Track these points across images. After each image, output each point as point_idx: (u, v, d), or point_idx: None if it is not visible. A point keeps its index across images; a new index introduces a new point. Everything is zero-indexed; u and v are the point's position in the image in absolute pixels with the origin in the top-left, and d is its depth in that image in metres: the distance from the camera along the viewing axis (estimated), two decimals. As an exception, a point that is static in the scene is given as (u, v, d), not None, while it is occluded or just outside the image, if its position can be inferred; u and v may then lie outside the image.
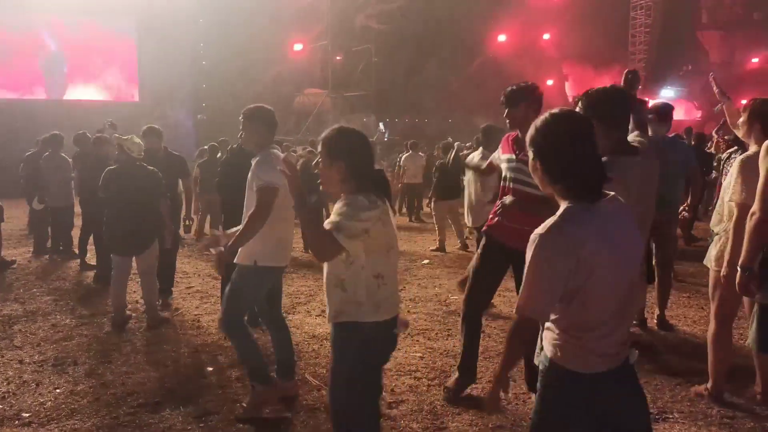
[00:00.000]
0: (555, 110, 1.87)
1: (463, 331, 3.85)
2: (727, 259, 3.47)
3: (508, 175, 3.66)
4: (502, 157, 3.78)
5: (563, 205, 1.80)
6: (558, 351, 1.84)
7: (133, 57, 20.84)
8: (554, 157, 1.81)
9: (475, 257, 3.89)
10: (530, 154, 1.87)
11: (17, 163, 9.10)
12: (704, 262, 3.73)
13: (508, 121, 3.69)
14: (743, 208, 3.20)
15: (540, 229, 1.75)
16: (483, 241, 3.84)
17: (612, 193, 1.84)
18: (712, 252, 3.61)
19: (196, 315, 5.69)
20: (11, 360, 4.52)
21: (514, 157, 3.63)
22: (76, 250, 7.85)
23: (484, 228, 3.84)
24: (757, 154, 3.30)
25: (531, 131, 1.85)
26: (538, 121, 1.85)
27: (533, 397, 3.54)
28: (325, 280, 2.47)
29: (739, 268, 2.93)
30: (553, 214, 1.80)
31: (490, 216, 3.76)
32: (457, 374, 3.88)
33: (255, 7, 22.22)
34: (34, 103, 18.28)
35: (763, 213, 2.75)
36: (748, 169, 3.26)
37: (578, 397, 1.83)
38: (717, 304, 3.63)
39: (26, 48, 19.15)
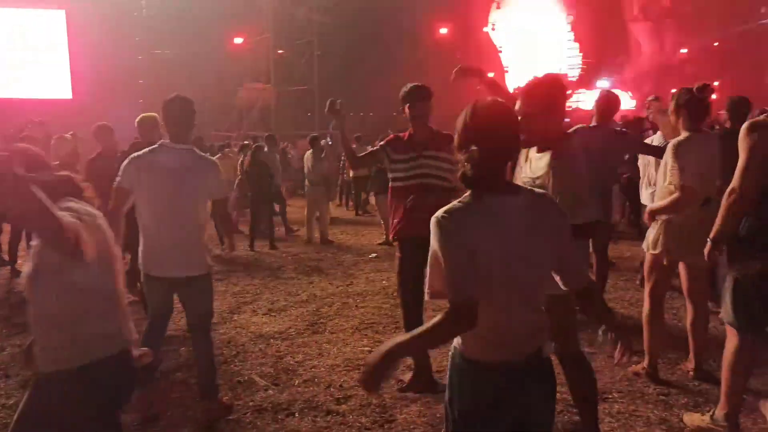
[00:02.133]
0: (485, 99, 1.87)
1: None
2: (658, 241, 3.67)
3: (407, 174, 3.70)
4: (395, 156, 3.77)
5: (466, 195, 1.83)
6: (460, 338, 1.87)
7: (64, 51, 19.94)
8: (460, 142, 1.84)
9: (397, 267, 3.88)
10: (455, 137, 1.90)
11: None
12: (643, 246, 3.89)
13: (417, 115, 3.71)
14: (683, 190, 3.48)
15: (436, 214, 1.79)
16: (398, 251, 3.88)
17: (529, 188, 1.87)
18: (650, 236, 3.79)
19: (138, 319, 5.51)
20: (-64, 375, 4.27)
21: (415, 155, 3.70)
22: (6, 257, 7.47)
23: (394, 236, 3.88)
24: (687, 139, 3.58)
25: (461, 117, 1.87)
26: (468, 107, 1.86)
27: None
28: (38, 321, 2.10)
29: (709, 241, 3.04)
30: (454, 198, 1.87)
31: (395, 222, 3.79)
32: (412, 373, 3.90)
33: (193, 0, 21.64)
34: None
35: (742, 190, 2.86)
36: (681, 153, 3.53)
37: (478, 383, 1.84)
38: (651, 285, 3.80)
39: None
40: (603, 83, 28.50)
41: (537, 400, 1.88)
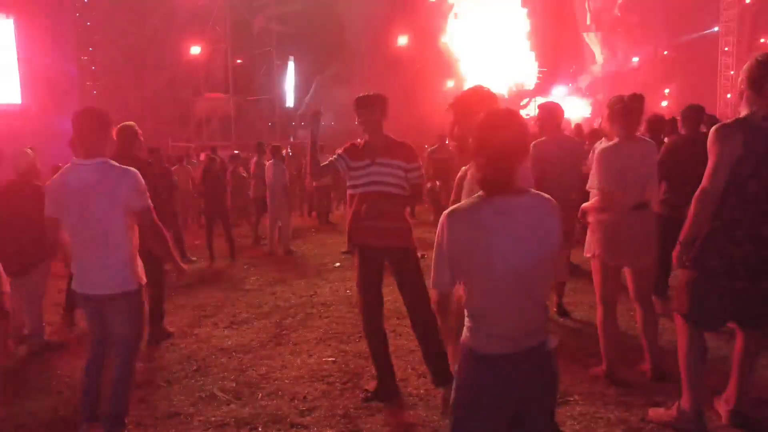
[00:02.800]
0: (496, 109, 2.09)
1: (371, 345, 3.88)
2: (587, 243, 3.81)
3: (362, 181, 3.72)
4: (352, 164, 3.77)
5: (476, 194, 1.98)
6: (466, 332, 2.00)
7: (12, 60, 19.29)
8: (475, 146, 1.98)
9: (356, 272, 3.90)
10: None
11: None
12: (585, 252, 4.01)
13: (363, 122, 3.76)
14: (602, 194, 3.70)
15: (450, 208, 1.97)
16: (357, 255, 3.88)
17: (533, 190, 2.02)
18: (588, 241, 3.95)
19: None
20: None
21: (369, 162, 3.71)
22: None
23: (353, 241, 3.88)
24: (615, 145, 3.73)
25: (474, 125, 2.02)
26: (480, 116, 2.01)
27: (441, 392, 3.61)
28: None
29: (679, 244, 3.11)
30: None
31: (350, 230, 3.84)
32: (375, 382, 3.88)
33: (146, 9, 21.26)
34: None
35: (712, 191, 2.93)
36: (606, 158, 3.70)
37: (482, 375, 1.97)
38: (599, 289, 3.91)
39: None
40: (559, 91, 29.14)
41: (538, 391, 1.99)
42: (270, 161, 9.55)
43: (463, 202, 1.99)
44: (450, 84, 28.94)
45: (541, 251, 1.95)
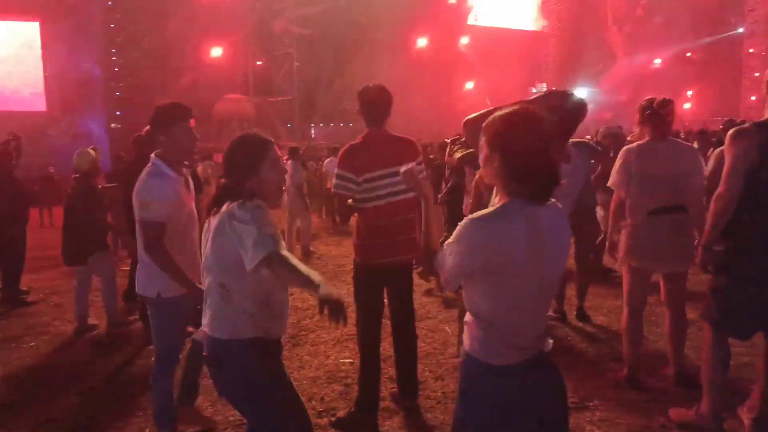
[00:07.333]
0: (519, 108, 1.80)
1: (369, 359, 3.54)
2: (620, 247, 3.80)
3: (378, 194, 3.35)
4: (370, 176, 3.33)
5: (503, 200, 1.80)
6: (474, 344, 1.87)
7: (38, 64, 19.68)
8: (523, 157, 1.75)
9: (355, 294, 3.56)
10: (487, 149, 1.81)
11: None
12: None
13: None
14: (616, 194, 3.83)
15: (475, 215, 1.76)
16: (358, 274, 3.54)
17: (552, 199, 1.86)
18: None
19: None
20: None
21: (386, 172, 3.31)
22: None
23: (358, 260, 3.50)
24: (638, 146, 3.76)
25: (496, 126, 1.78)
26: (506, 116, 1.78)
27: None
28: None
29: (700, 248, 3.09)
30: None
31: (360, 245, 3.46)
32: (352, 408, 3.57)
33: (169, 11, 21.52)
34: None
35: (729, 194, 2.90)
36: (624, 159, 3.77)
37: (494, 387, 1.85)
38: (626, 294, 3.87)
39: None
40: (580, 92, 28.85)
41: (554, 395, 1.91)
42: (288, 161, 9.58)
43: (489, 209, 1.80)
44: (469, 86, 28.89)
45: (563, 258, 1.92)
